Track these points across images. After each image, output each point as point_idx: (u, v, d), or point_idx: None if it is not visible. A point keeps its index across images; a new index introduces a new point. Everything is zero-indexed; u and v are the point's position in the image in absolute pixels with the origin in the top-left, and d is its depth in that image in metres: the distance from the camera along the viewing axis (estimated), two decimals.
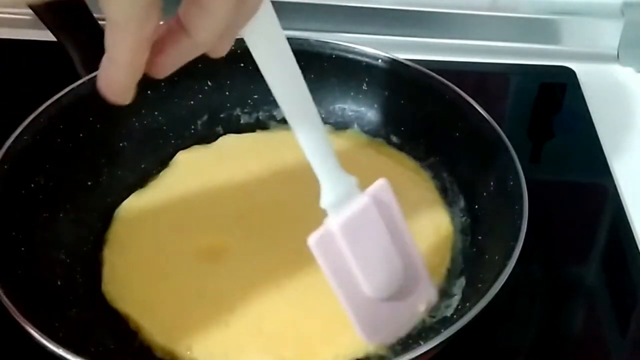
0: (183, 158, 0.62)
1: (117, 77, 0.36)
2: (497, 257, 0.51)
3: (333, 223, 0.45)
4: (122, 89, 0.37)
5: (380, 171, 0.58)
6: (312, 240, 0.44)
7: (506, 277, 0.48)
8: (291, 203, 0.58)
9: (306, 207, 0.57)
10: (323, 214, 0.46)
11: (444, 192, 0.60)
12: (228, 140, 0.64)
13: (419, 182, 0.61)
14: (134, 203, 0.59)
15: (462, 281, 0.54)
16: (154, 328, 0.51)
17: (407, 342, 0.51)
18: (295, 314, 0.51)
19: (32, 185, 0.55)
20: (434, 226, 0.57)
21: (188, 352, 0.50)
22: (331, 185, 0.45)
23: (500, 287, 0.47)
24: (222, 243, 0.55)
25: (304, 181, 0.59)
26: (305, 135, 0.43)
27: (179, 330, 0.50)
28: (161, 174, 0.61)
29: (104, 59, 0.36)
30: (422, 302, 0.50)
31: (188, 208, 0.58)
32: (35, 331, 0.45)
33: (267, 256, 0.54)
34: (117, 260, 0.55)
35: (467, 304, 0.49)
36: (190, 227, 0.57)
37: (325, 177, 0.44)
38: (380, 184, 0.46)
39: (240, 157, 0.62)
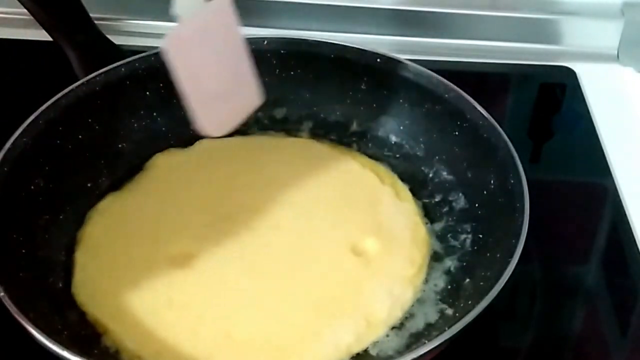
0: (159, 162, 0.62)
1: None
2: (498, 255, 0.51)
3: (189, 25, 0.49)
4: None
5: (359, 184, 0.60)
6: (167, 43, 0.48)
7: (509, 274, 0.48)
8: (265, 209, 0.57)
9: (281, 214, 0.57)
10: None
11: (444, 191, 0.60)
12: (205, 144, 0.63)
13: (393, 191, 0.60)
14: (109, 205, 0.58)
15: (463, 280, 0.54)
16: (123, 332, 0.50)
17: (411, 341, 0.51)
18: (266, 322, 0.51)
19: (32, 188, 0.55)
20: (411, 238, 0.57)
21: (156, 357, 0.49)
22: None
23: (503, 284, 0.47)
24: (195, 249, 0.55)
25: (279, 187, 0.59)
26: None
27: (147, 336, 0.50)
28: (136, 177, 0.61)
29: None
30: (249, 102, 0.54)
31: (162, 213, 0.58)
32: (38, 333, 0.45)
33: (240, 263, 0.54)
34: (88, 262, 0.54)
35: (470, 302, 0.49)
36: (163, 233, 0.56)
37: None
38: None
39: (216, 161, 0.62)
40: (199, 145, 0.63)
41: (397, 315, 0.52)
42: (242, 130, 0.65)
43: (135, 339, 0.50)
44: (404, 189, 0.61)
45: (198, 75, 0.50)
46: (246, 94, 0.54)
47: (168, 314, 0.51)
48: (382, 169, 0.62)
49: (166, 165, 0.61)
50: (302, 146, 0.64)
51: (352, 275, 0.54)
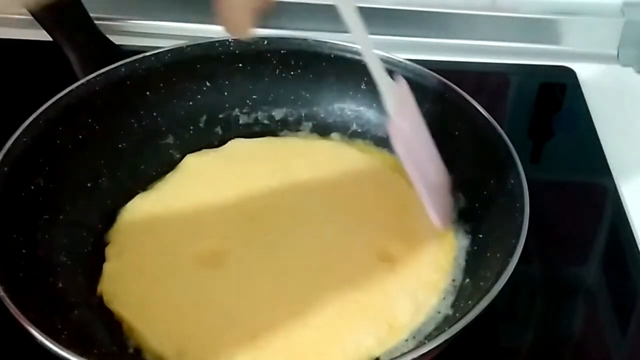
0: (190, 161, 0.62)
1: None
2: (498, 255, 0.51)
3: (405, 122, 0.51)
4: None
5: (388, 188, 0.60)
6: (397, 145, 0.51)
7: (509, 274, 0.48)
8: (295, 210, 0.58)
9: (310, 215, 0.57)
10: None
11: None
12: (237, 145, 0.63)
13: None
14: (139, 204, 0.59)
15: (464, 280, 0.54)
16: (147, 330, 0.50)
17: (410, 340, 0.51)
18: (290, 324, 0.51)
19: (32, 188, 0.55)
20: (438, 243, 0.56)
21: (178, 358, 0.49)
22: (391, 90, 0.51)
23: (503, 284, 0.47)
24: (223, 249, 0.55)
25: (308, 189, 0.59)
26: (371, 57, 0.51)
27: (171, 335, 0.50)
28: (167, 176, 0.61)
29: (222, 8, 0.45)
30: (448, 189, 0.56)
31: (191, 212, 0.58)
32: (38, 333, 0.45)
33: (266, 264, 0.54)
34: (117, 260, 0.55)
35: (470, 302, 0.50)
36: (192, 232, 0.56)
37: (386, 84, 0.51)
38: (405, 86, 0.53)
39: (247, 162, 0.62)
40: (230, 146, 0.63)
41: (419, 320, 0.52)
42: (273, 131, 0.65)
43: (158, 338, 0.50)
44: None
45: (421, 167, 0.52)
46: (445, 178, 0.56)
47: (193, 313, 0.51)
48: None
49: (197, 164, 0.62)
50: (333, 148, 0.64)
51: (377, 280, 0.53)
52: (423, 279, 0.54)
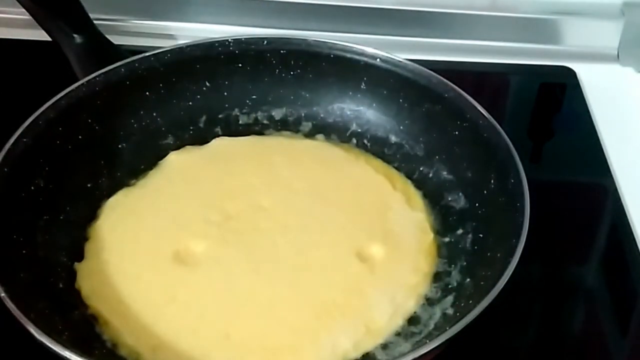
0: (174, 158, 0.62)
1: None
2: (499, 255, 0.51)
3: None
4: None
5: (371, 189, 0.60)
6: None
7: (510, 274, 0.48)
8: (274, 210, 0.58)
9: (289, 216, 0.57)
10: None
11: (443, 191, 0.60)
12: (221, 143, 0.63)
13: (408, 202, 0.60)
14: (120, 200, 0.59)
15: (464, 280, 0.54)
16: (122, 326, 0.50)
17: (412, 339, 0.51)
18: (264, 323, 0.51)
19: (32, 188, 0.55)
20: (418, 246, 0.56)
21: (153, 354, 0.49)
22: None
23: (503, 284, 0.47)
24: (200, 247, 0.55)
25: (290, 188, 0.59)
26: None
27: (146, 332, 0.50)
28: (150, 173, 0.61)
29: None
30: None
31: (171, 209, 0.58)
32: (39, 333, 0.45)
33: (243, 263, 0.54)
34: (95, 256, 0.55)
35: (470, 302, 0.50)
36: (171, 229, 0.56)
37: None
38: None
39: (231, 160, 0.62)
40: (214, 144, 0.63)
41: (397, 322, 0.52)
42: (258, 130, 0.65)
43: (133, 333, 0.50)
44: (416, 196, 0.60)
45: None
46: None
47: (169, 310, 0.51)
48: (396, 174, 0.62)
49: (180, 162, 0.62)
50: (317, 148, 0.64)
51: (356, 281, 0.53)
52: (402, 281, 0.54)
